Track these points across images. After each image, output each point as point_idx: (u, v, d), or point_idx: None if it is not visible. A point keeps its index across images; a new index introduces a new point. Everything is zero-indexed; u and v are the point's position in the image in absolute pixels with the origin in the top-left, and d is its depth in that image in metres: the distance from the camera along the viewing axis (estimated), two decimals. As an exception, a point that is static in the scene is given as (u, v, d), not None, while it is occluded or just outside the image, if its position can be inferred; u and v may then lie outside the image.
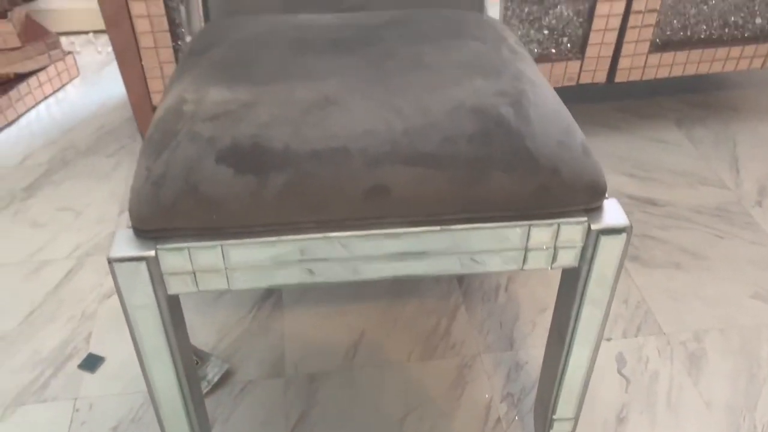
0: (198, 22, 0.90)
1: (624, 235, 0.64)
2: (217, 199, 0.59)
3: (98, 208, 1.25)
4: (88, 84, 1.61)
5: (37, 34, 1.54)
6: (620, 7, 1.24)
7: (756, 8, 1.31)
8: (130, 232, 0.62)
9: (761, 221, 1.24)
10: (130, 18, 1.13)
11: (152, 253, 0.60)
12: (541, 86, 0.71)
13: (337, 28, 0.79)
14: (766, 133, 1.46)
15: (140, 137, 1.30)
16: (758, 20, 1.33)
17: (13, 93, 1.46)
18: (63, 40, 1.76)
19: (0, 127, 1.45)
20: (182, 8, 0.90)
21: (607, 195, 0.66)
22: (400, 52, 0.74)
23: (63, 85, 1.59)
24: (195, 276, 0.62)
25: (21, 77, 1.50)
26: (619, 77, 1.34)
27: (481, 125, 0.63)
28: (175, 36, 1.18)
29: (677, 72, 1.35)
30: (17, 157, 1.38)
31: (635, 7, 1.24)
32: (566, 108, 0.70)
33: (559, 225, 0.63)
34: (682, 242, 1.19)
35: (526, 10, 1.24)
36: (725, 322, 1.05)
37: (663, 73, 1.35)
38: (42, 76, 1.52)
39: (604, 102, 1.55)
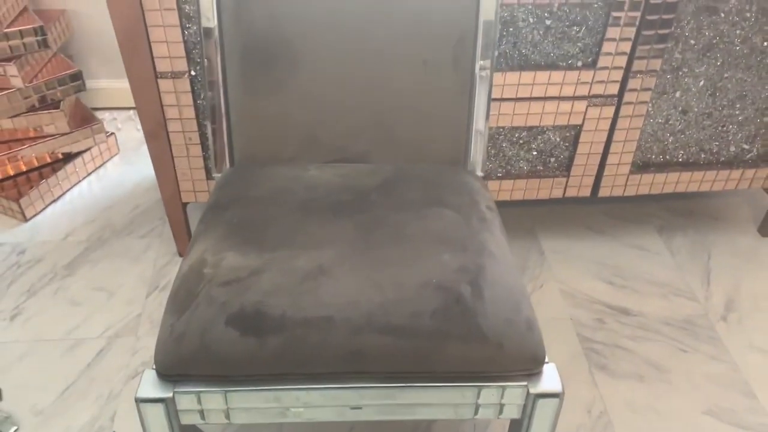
0: (224, 162, 1.06)
1: (557, 400, 0.77)
2: (225, 355, 0.74)
3: (129, 290, 1.41)
4: (127, 162, 1.79)
5: (84, 119, 1.72)
6: (602, 136, 1.38)
7: (730, 138, 1.44)
8: (154, 373, 0.77)
9: (723, 336, 1.35)
10: (167, 133, 1.30)
11: (170, 395, 0.75)
12: (500, 258, 0.85)
13: (339, 190, 0.95)
14: (741, 246, 1.57)
15: (168, 221, 1.46)
16: (732, 148, 1.46)
17: (61, 173, 1.64)
18: (106, 115, 1.95)
19: (47, 203, 1.63)
20: (210, 140, 1.06)
21: (546, 360, 0.79)
22: (387, 220, 0.88)
23: (104, 163, 1.77)
24: (203, 413, 0.77)
25: (67, 156, 1.68)
26: (602, 193, 1.47)
27: (443, 302, 0.77)
28: (205, 147, 1.34)
29: (656, 190, 1.48)
30: (61, 234, 1.56)
31: (617, 137, 1.38)
32: (520, 278, 0.84)
33: (504, 387, 0.77)
34: (649, 354, 1.31)
35: (517, 135, 1.38)
36: (677, 437, 1.17)
37: (643, 191, 1.48)
38: (86, 155, 1.70)
39: (593, 204, 1.69)
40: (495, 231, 0.90)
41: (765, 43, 1.31)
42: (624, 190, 1.48)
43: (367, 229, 0.87)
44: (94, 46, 1.87)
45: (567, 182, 1.45)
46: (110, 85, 1.94)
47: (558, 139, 1.40)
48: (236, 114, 1.04)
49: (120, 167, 1.77)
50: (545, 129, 1.38)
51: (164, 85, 1.24)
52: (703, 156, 1.47)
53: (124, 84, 1.93)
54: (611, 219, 1.65)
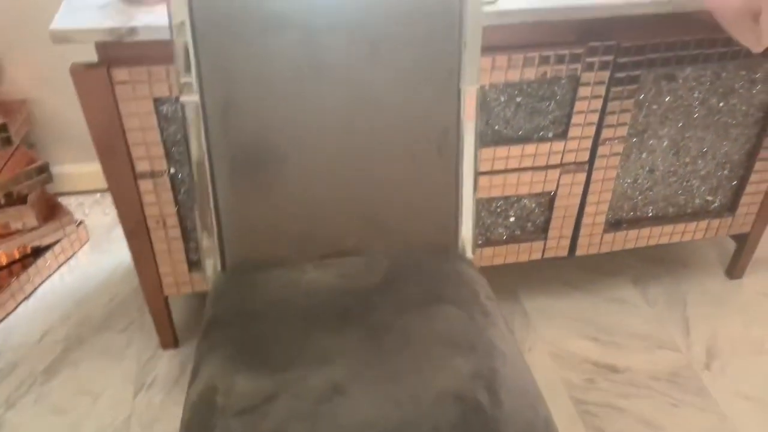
0: (216, 267, 1.05)
1: (579, 498, 0.78)
2: (249, 491, 0.73)
3: (115, 391, 1.37)
4: (98, 250, 1.75)
5: (52, 210, 1.68)
6: (576, 200, 1.42)
7: (695, 192, 1.50)
8: None
9: (710, 386, 1.39)
10: (148, 230, 1.28)
11: None
12: (509, 356, 0.86)
13: (340, 293, 0.95)
14: (713, 291, 1.63)
15: (147, 311, 1.43)
16: (697, 200, 1.52)
17: (31, 269, 1.59)
18: (71, 200, 1.91)
19: (19, 301, 1.58)
20: (201, 247, 1.05)
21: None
22: (394, 325, 0.89)
23: (74, 253, 1.72)
24: None
25: (37, 250, 1.64)
26: (579, 252, 1.51)
27: (461, 413, 0.78)
28: (187, 239, 1.33)
29: (630, 245, 1.53)
30: (36, 334, 1.50)
31: (590, 200, 1.42)
32: (530, 374, 0.86)
33: (526, 492, 0.78)
34: (641, 412, 1.34)
35: (495, 204, 1.41)
36: (679, 497, 1.19)
37: (618, 247, 1.53)
38: (56, 248, 1.66)
39: (569, 259, 1.72)
40: (499, 323, 0.92)
41: (720, 104, 1.38)
42: (599, 248, 1.52)
43: (375, 336, 0.87)
44: (56, 133, 1.84)
45: (545, 245, 1.49)
46: (75, 169, 1.90)
47: (533, 205, 1.44)
48: (227, 218, 1.03)
49: (91, 256, 1.73)
50: (521, 197, 1.41)
51: (144, 185, 1.23)
52: (671, 210, 1.52)
53: (88, 168, 1.90)
54: (587, 273, 1.69)
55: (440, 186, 1.07)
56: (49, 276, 1.66)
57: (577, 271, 1.69)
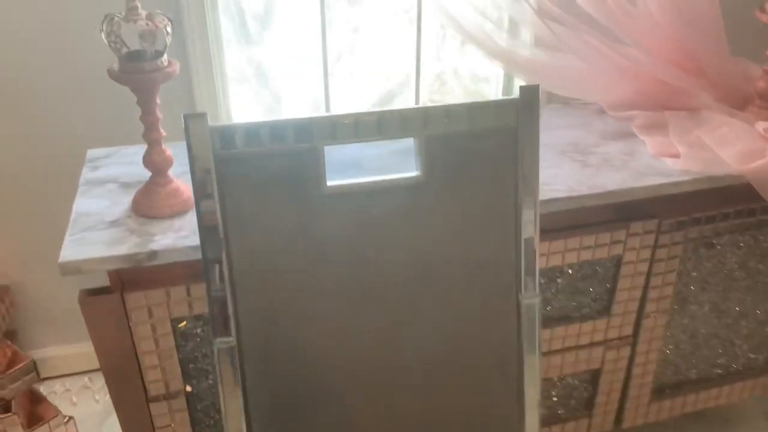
0: None
1: None
2: None
3: None
4: (89, 449, 1.57)
5: (38, 411, 1.51)
6: (621, 375, 1.33)
7: (737, 351, 1.43)
8: None
9: None
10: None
11: None
12: None
13: None
14: (763, 451, 1.53)
15: None
16: (741, 359, 1.44)
17: (15, 488, 1.40)
18: (57, 386, 1.73)
19: None
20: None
21: None
22: None
23: (63, 456, 1.54)
24: None
25: (21, 461, 1.45)
26: (626, 425, 1.41)
27: None
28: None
29: (677, 412, 1.43)
30: None
31: (635, 372, 1.33)
32: None
33: None
34: None
35: (537, 387, 1.30)
36: None
37: (664, 416, 1.43)
38: (43, 455, 1.48)
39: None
40: None
41: (759, 265, 1.33)
42: (646, 418, 1.42)
43: None
44: (38, 315, 1.69)
45: (590, 422, 1.38)
46: (59, 352, 1.74)
47: (577, 382, 1.34)
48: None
49: (83, 459, 1.55)
50: (564, 374, 1.31)
51: (157, 408, 1.09)
52: (714, 371, 1.44)
53: (74, 349, 1.74)
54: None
55: (500, 400, 0.96)
56: (35, 490, 1.46)
57: (617, 436, 1.57)
